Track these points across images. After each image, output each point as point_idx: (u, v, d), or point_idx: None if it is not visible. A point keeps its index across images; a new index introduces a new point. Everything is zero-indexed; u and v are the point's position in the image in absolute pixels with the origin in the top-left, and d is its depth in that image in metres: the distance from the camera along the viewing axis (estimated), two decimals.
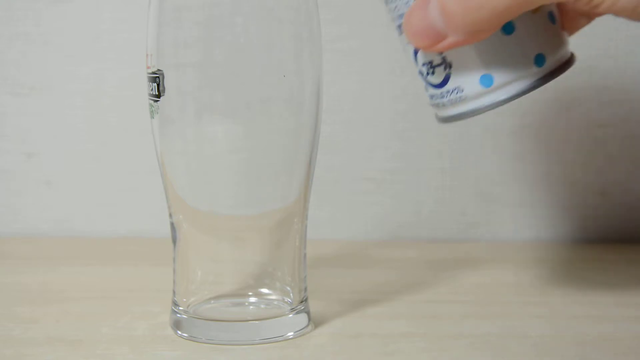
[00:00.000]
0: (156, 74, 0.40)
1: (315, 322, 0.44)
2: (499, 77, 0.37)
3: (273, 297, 0.43)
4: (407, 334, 0.43)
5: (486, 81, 0.37)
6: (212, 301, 0.43)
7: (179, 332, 0.42)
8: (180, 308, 0.43)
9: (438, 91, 0.38)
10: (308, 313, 0.44)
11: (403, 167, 0.65)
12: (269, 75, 0.40)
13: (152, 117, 0.41)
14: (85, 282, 0.52)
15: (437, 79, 0.38)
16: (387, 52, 0.63)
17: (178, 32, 0.40)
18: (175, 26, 0.40)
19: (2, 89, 0.65)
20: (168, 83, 0.40)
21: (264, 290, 0.43)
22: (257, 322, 0.41)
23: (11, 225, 0.66)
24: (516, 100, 0.60)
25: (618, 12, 0.35)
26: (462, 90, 0.37)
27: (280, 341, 0.41)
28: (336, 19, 0.63)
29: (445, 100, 0.38)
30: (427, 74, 0.38)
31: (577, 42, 0.63)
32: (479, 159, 0.65)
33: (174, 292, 0.43)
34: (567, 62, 0.39)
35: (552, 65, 0.38)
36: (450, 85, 0.38)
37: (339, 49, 0.63)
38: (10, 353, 0.40)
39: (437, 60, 0.38)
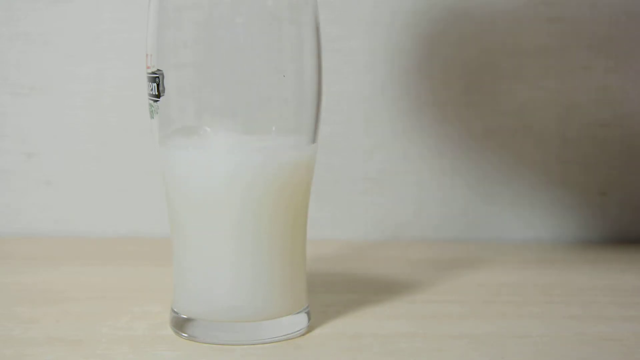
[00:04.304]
0: (156, 74, 0.40)
1: (315, 322, 0.44)
2: None
3: None
4: (407, 334, 0.43)
5: None
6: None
7: (179, 332, 0.42)
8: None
9: None
10: (308, 313, 0.44)
11: (403, 167, 0.65)
12: (269, 75, 0.40)
13: (152, 117, 0.41)
14: (85, 282, 0.52)
15: None
16: (387, 52, 0.63)
17: (178, 32, 0.40)
18: (175, 26, 0.40)
19: (2, 89, 0.65)
20: (168, 83, 0.40)
21: None
22: (257, 322, 0.41)
23: (11, 225, 0.66)
24: (516, 101, 0.60)
25: None
26: None
27: (280, 341, 0.41)
28: (336, 19, 0.63)
29: None
30: None
31: (576, 42, 0.63)
32: (479, 159, 0.65)
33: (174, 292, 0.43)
34: None
35: None
36: None
37: (339, 49, 0.63)
38: (10, 353, 0.40)
39: None
